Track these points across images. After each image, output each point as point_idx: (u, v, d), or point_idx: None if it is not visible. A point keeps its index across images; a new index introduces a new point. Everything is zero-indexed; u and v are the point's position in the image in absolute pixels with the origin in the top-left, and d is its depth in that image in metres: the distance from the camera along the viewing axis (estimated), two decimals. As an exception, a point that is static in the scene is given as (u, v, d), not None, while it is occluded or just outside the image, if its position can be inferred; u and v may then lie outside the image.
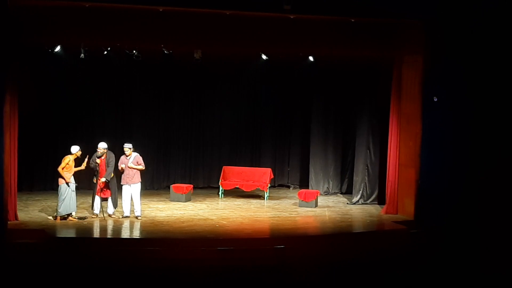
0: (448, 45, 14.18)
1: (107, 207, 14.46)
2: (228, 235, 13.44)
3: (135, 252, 12.14)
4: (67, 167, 13.97)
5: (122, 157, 14.52)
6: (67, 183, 13.92)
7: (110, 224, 14.03)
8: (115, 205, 14.47)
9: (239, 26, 14.40)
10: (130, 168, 14.38)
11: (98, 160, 14.22)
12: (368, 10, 13.82)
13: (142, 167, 14.54)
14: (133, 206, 14.50)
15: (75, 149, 14.14)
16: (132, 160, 14.44)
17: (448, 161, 14.23)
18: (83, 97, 17.87)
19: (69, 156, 14.06)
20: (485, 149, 13.94)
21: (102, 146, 14.31)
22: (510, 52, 13.69)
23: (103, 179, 14.18)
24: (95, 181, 14.33)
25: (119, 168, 14.47)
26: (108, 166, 14.24)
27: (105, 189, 14.26)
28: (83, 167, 14.22)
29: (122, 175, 14.49)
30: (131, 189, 14.42)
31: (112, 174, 14.27)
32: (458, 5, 13.96)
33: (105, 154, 14.29)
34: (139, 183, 14.52)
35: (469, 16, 13.86)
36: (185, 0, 13.47)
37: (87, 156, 14.22)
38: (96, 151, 14.29)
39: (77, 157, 14.15)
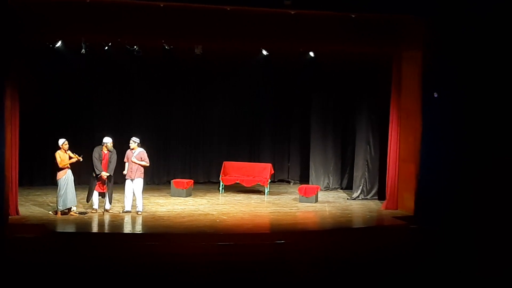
0: (447, 40, 14.16)
1: (104, 202, 14.50)
2: (228, 230, 13.47)
3: (135, 247, 12.15)
4: (62, 160, 13.97)
5: (128, 151, 14.57)
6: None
7: (110, 219, 14.06)
8: (110, 201, 14.51)
9: (239, 22, 14.41)
10: (133, 162, 14.43)
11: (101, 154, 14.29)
12: (368, 6, 13.86)
13: (145, 163, 14.55)
14: (135, 201, 14.55)
15: (61, 142, 14.00)
16: (136, 154, 14.47)
17: (448, 157, 14.21)
18: (84, 93, 17.94)
19: (58, 151, 13.97)
20: (486, 145, 13.91)
21: (110, 140, 14.33)
22: (510, 48, 13.68)
23: (107, 174, 14.21)
24: (94, 175, 14.33)
25: (125, 162, 14.51)
26: (110, 162, 14.28)
27: (103, 184, 14.30)
28: (76, 159, 14.10)
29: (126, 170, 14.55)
30: (133, 184, 14.46)
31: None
32: (457, 1, 13.96)
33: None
34: (141, 179, 14.53)
35: (468, 11, 13.83)
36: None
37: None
38: (100, 144, 14.35)
39: (64, 149, 14.07)
